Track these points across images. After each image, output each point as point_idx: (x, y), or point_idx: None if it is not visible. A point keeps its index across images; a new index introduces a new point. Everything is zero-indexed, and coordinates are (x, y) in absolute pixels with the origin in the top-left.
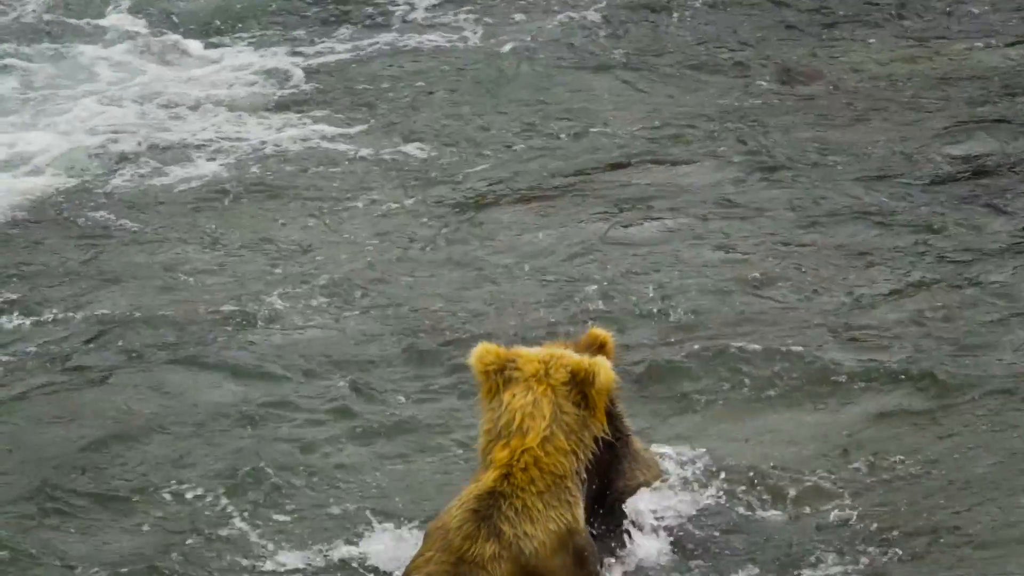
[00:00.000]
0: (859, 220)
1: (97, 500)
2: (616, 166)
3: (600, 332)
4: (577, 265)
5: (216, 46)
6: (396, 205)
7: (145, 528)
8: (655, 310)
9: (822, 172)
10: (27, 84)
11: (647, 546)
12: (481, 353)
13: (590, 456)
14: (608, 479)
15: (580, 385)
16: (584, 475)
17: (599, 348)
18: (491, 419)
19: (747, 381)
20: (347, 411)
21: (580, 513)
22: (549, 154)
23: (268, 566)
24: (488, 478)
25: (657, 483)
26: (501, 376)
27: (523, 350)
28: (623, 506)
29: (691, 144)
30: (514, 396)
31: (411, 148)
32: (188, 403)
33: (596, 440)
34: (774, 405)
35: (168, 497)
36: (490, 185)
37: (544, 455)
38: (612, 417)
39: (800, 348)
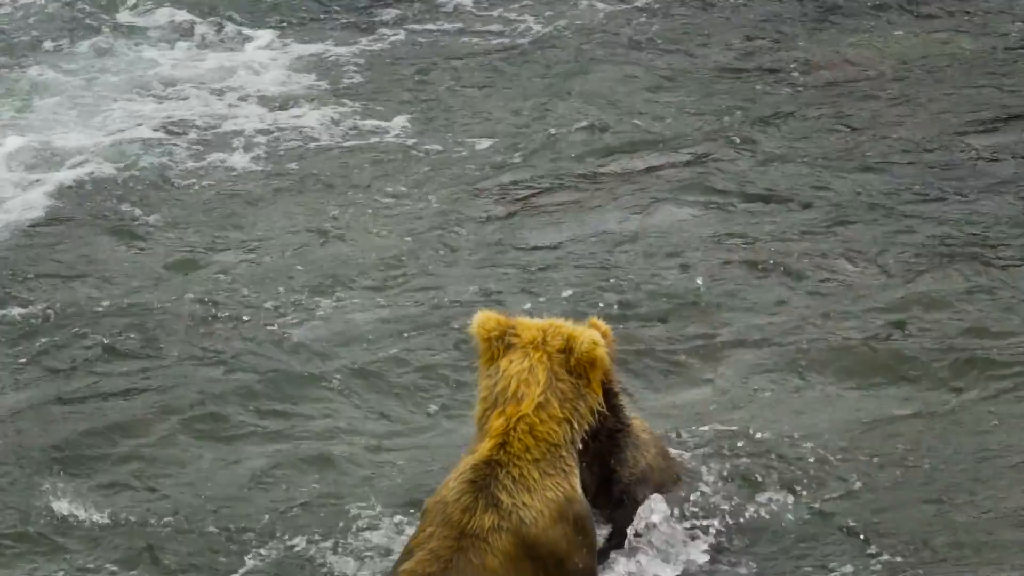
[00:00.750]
0: (883, 210)
1: (102, 494)
2: (648, 157)
3: (600, 323)
4: (608, 255)
5: (261, 35)
6: (431, 196)
7: (155, 520)
8: (679, 300)
9: (848, 163)
10: (70, 76)
11: (655, 539)
12: (483, 320)
13: (586, 427)
14: (611, 469)
15: (572, 353)
16: (579, 445)
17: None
18: (488, 386)
19: (764, 370)
20: (372, 402)
21: (577, 482)
22: (584, 145)
23: (273, 557)
24: (484, 448)
25: (660, 461)
26: (501, 343)
27: (524, 319)
28: (630, 498)
29: (718, 136)
30: (511, 362)
31: (448, 139)
32: (201, 399)
33: (593, 412)
34: (791, 395)
35: (176, 491)
36: (526, 176)
37: (539, 422)
38: (613, 408)
39: (820, 338)
